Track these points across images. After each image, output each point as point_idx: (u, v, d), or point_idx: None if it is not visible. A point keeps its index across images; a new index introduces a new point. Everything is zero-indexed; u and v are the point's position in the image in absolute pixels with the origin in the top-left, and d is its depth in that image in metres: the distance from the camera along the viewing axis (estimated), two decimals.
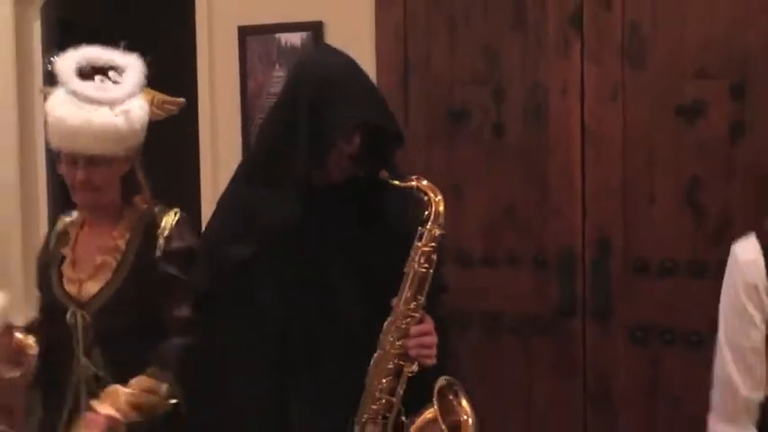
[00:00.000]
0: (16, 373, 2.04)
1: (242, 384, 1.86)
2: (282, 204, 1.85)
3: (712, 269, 2.79)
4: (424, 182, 1.83)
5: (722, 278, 2.35)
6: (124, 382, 2.02)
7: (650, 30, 2.89)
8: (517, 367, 3.06)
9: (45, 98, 2.24)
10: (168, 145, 3.52)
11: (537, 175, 3.05)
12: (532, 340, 3.03)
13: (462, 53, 3.21)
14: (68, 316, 2.10)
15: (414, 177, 1.84)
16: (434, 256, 1.82)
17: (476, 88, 3.18)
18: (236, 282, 1.89)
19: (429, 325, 1.85)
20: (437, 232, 1.81)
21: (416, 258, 1.81)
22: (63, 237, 2.27)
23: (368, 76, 1.94)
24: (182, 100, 2.26)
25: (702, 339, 2.80)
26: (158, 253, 2.14)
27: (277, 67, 3.54)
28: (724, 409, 1.98)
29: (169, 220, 2.21)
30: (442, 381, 1.83)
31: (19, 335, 2.09)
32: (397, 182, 1.83)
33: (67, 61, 2.12)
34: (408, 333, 1.81)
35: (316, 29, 3.44)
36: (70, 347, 2.10)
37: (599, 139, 2.95)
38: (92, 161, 2.07)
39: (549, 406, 3.08)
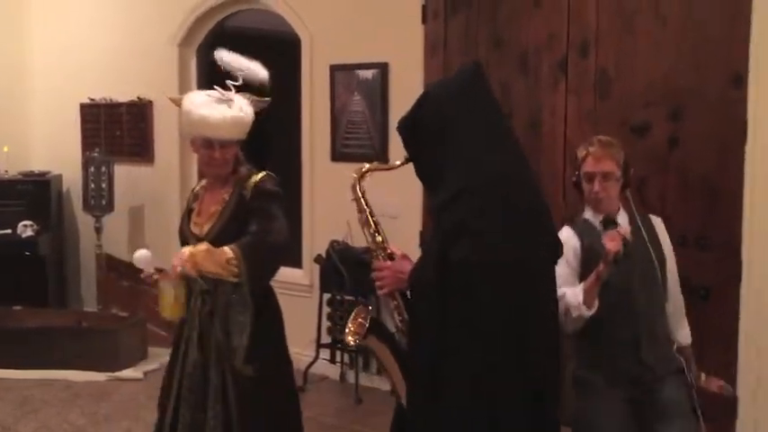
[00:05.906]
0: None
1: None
2: None
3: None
4: None
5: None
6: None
7: (613, 73, 3.61)
8: None
9: (176, 103, 2.53)
10: (284, 141, 4.75)
11: (533, 168, 3.48)
12: None
13: None
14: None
15: None
16: None
17: None
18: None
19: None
20: None
21: None
22: (196, 197, 2.67)
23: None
24: (268, 99, 2.57)
25: None
26: (247, 195, 2.50)
27: (355, 93, 4.42)
28: None
29: (256, 177, 2.53)
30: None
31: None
32: None
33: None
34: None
35: (383, 68, 4.28)
36: None
37: (576, 146, 3.43)
38: (223, 144, 2.48)
39: None
